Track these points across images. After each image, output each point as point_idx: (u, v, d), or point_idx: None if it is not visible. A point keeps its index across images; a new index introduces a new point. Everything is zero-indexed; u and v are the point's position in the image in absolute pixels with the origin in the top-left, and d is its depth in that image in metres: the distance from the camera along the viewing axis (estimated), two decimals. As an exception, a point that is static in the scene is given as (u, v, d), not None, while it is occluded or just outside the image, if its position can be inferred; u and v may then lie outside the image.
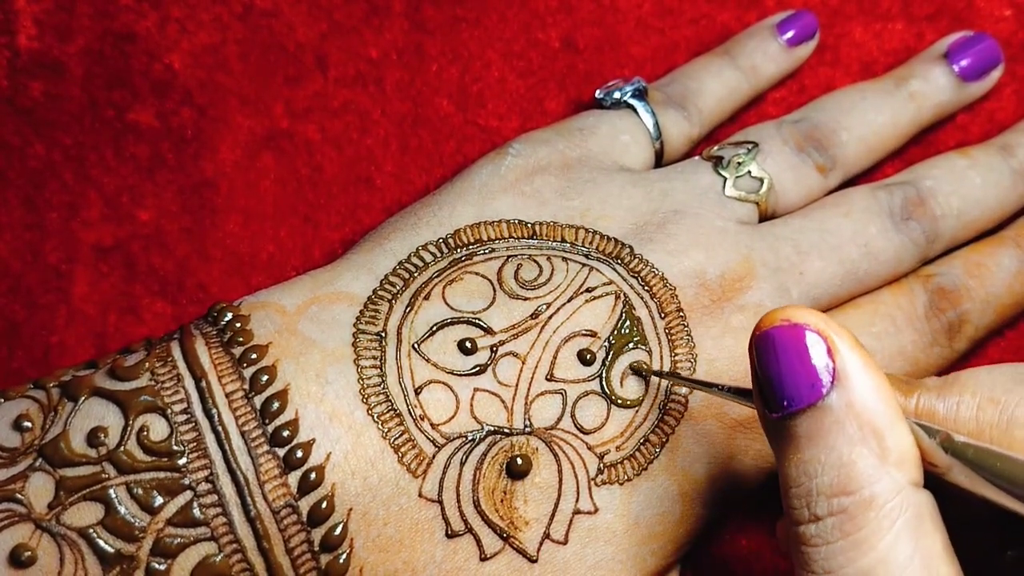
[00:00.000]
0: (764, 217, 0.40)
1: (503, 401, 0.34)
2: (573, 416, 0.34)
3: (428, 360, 0.34)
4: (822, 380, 0.27)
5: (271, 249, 0.43)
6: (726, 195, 0.39)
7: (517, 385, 0.34)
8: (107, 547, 0.30)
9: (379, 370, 0.33)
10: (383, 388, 0.33)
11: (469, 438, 0.33)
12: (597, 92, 0.42)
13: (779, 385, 0.27)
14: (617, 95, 0.42)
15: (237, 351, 0.33)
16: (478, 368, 0.34)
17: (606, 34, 0.45)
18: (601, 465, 0.34)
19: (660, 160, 0.42)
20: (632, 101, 0.41)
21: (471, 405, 0.33)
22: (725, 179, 0.39)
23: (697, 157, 0.41)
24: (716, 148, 0.40)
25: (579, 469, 0.34)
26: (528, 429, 0.34)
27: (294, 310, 0.34)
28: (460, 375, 0.34)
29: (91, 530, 0.30)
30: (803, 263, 0.38)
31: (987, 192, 0.40)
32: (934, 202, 0.40)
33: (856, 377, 0.27)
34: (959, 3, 0.45)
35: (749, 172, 0.39)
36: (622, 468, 0.34)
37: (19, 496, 0.30)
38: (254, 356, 0.33)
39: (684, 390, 0.35)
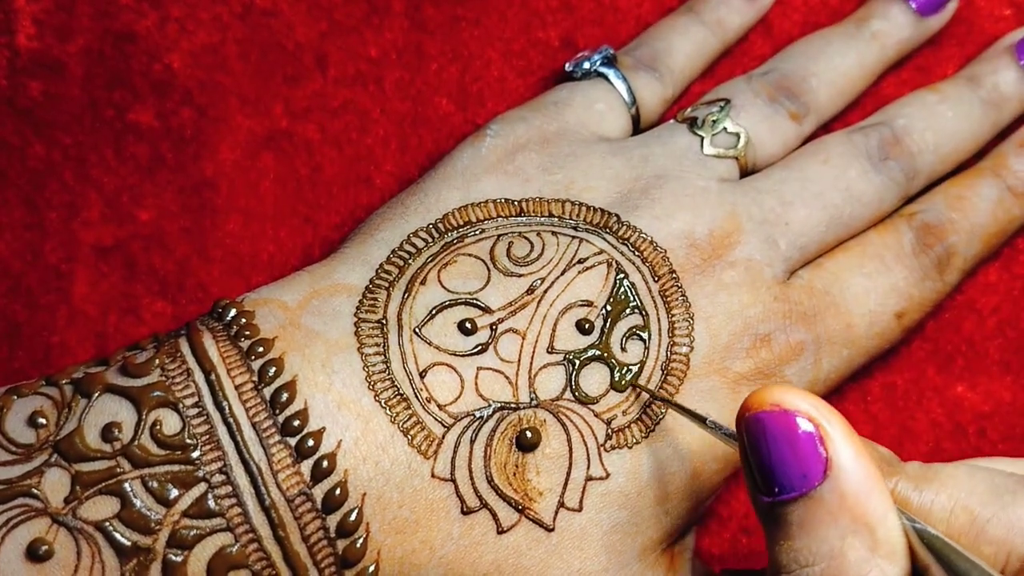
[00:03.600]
0: (745, 172, 0.40)
1: (507, 377, 0.34)
2: (577, 385, 0.34)
3: (430, 343, 0.34)
4: (813, 470, 0.27)
5: (271, 249, 0.43)
6: (705, 154, 0.39)
7: (519, 360, 0.34)
8: (124, 540, 0.30)
9: (383, 356, 0.34)
10: (388, 374, 0.33)
11: (477, 416, 0.34)
12: (567, 65, 0.43)
13: (770, 472, 0.27)
14: (587, 65, 0.42)
15: (244, 344, 0.33)
16: (480, 347, 0.34)
17: (606, 33, 0.45)
18: (609, 431, 0.34)
19: (638, 124, 0.42)
20: (603, 69, 0.42)
21: (476, 384, 0.34)
22: (702, 138, 0.40)
23: (672, 120, 0.41)
24: (689, 110, 0.41)
25: (588, 437, 0.34)
26: (534, 402, 0.34)
27: (295, 305, 0.35)
28: (463, 355, 0.34)
29: (107, 523, 0.30)
30: (788, 213, 0.38)
31: (960, 124, 0.41)
32: (909, 140, 0.40)
33: (848, 467, 0.27)
34: (959, 2, 0.45)
35: (725, 128, 0.40)
36: (630, 432, 0.34)
37: (35, 491, 0.30)
38: (261, 349, 0.33)
39: (685, 348, 0.35)
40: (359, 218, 0.43)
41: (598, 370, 0.35)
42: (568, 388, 0.34)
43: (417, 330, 0.34)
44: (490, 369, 0.34)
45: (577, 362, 0.35)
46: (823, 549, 0.27)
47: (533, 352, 0.35)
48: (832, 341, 0.37)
